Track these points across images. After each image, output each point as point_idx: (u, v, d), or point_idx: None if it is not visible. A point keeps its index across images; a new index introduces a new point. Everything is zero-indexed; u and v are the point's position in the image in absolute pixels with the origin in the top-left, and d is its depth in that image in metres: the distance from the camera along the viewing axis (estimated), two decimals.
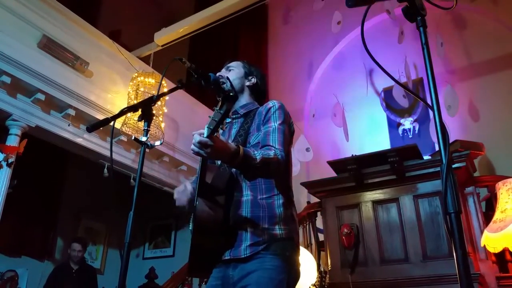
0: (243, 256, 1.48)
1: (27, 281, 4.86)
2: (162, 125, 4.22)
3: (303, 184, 3.61)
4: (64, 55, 3.67)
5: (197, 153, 1.33)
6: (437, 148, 2.96)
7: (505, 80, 4.48)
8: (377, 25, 5.30)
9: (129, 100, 4.08)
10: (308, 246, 3.88)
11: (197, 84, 1.66)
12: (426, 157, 3.43)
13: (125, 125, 3.97)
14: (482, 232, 2.92)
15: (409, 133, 4.89)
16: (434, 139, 4.31)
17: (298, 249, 1.61)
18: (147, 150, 1.69)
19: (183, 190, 1.61)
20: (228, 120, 1.78)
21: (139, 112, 1.64)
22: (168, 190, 4.92)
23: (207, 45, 6.73)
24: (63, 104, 3.70)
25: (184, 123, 4.84)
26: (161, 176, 4.75)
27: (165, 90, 3.72)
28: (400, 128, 4.97)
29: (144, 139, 1.66)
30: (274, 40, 6.51)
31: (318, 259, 3.76)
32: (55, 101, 3.66)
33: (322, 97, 5.62)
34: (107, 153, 4.00)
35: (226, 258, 1.51)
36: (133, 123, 3.96)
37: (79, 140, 3.90)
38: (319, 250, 3.83)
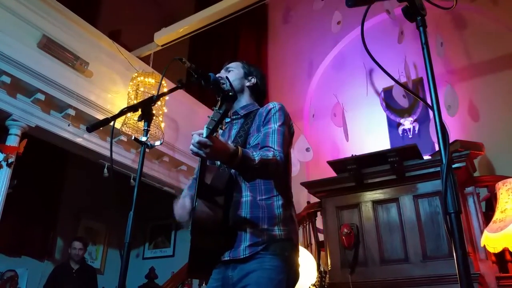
0: (242, 257, 1.48)
1: (27, 281, 4.86)
2: (162, 125, 4.21)
3: (303, 184, 3.61)
4: (64, 55, 3.67)
5: (196, 154, 1.33)
6: (437, 148, 2.96)
7: (505, 80, 4.48)
8: (377, 25, 5.30)
9: (129, 100, 4.08)
10: (308, 246, 3.88)
11: (197, 84, 1.67)
12: (426, 157, 3.43)
13: (125, 125, 3.96)
14: (482, 232, 2.92)
15: (409, 133, 4.89)
16: (434, 139, 4.31)
17: (298, 249, 1.61)
18: (147, 150, 1.68)
19: (183, 205, 1.62)
20: (228, 120, 1.77)
21: (139, 112, 1.64)
22: (168, 190, 4.92)
23: (207, 45, 6.74)
24: (63, 104, 3.69)
25: (184, 123, 4.83)
26: (161, 176, 4.75)
27: (165, 90, 3.71)
28: (400, 128, 4.97)
29: (144, 139, 1.66)
30: (274, 40, 6.51)
31: (318, 259, 3.76)
32: (55, 101, 3.66)
33: (322, 97, 5.62)
34: (107, 153, 4.00)
35: (226, 259, 1.51)
36: (133, 123, 3.96)
37: (79, 140, 3.90)
38: (319, 250, 3.82)
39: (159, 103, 4.16)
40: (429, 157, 3.49)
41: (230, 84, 1.66)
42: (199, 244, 1.46)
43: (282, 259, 1.49)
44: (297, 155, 4.79)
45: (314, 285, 3.41)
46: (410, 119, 4.92)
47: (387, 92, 5.13)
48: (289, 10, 6.50)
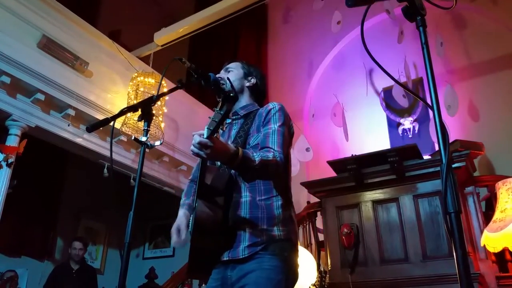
0: (241, 257, 1.48)
1: (27, 281, 4.86)
2: (162, 125, 4.21)
3: (303, 184, 3.61)
4: (63, 55, 3.67)
5: (196, 154, 1.33)
6: (437, 148, 2.96)
7: (505, 80, 4.48)
8: (377, 25, 5.30)
9: (129, 100, 4.07)
10: (308, 246, 3.88)
11: (197, 84, 1.67)
12: (426, 157, 3.43)
13: (125, 125, 3.96)
14: (482, 232, 2.92)
15: (409, 132, 4.89)
16: (434, 139, 4.31)
17: (297, 250, 1.61)
18: (147, 150, 1.69)
19: (178, 233, 1.63)
20: (228, 121, 1.77)
21: (139, 112, 1.64)
22: (168, 190, 4.92)
23: (207, 45, 6.73)
24: (63, 104, 3.69)
25: (184, 123, 4.83)
26: (161, 176, 4.74)
27: (165, 90, 3.72)
28: (400, 128, 4.97)
29: (144, 139, 1.66)
30: (274, 39, 6.51)
31: (318, 259, 3.76)
32: (55, 101, 3.66)
33: (322, 97, 5.62)
34: (107, 153, 4.00)
35: (225, 259, 1.51)
36: (133, 123, 3.95)
37: (79, 140, 3.90)
38: (319, 250, 3.83)
39: (159, 103, 4.16)
40: (429, 157, 3.49)
41: (232, 85, 1.66)
42: (199, 244, 1.46)
43: (281, 259, 1.49)
44: (297, 155, 4.79)
45: (314, 285, 3.41)
46: (410, 119, 4.92)
47: (387, 92, 5.13)
48: (289, 10, 6.50)
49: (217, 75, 1.77)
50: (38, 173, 5.01)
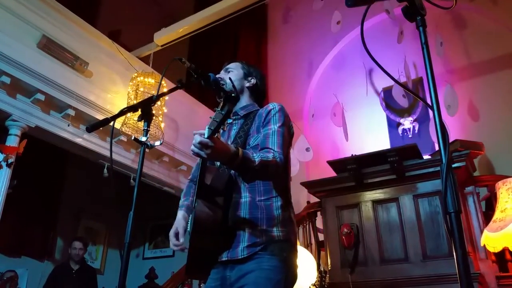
0: (240, 257, 1.48)
1: (27, 281, 4.86)
2: (162, 125, 4.21)
3: (303, 184, 3.61)
4: (63, 55, 3.67)
5: (197, 154, 1.32)
6: (437, 148, 2.96)
7: (505, 79, 4.49)
8: (376, 25, 5.30)
9: (129, 100, 4.07)
10: (308, 246, 3.88)
11: (197, 84, 1.67)
12: (426, 157, 3.43)
13: (125, 125, 3.96)
14: (482, 232, 2.92)
15: (408, 132, 4.89)
16: (434, 139, 4.31)
17: (296, 251, 1.61)
18: (147, 150, 1.69)
19: (177, 237, 1.63)
20: (229, 121, 1.77)
21: (139, 112, 1.64)
22: (168, 190, 4.92)
23: (207, 45, 6.73)
24: (63, 104, 3.69)
25: (184, 123, 4.83)
26: (161, 176, 4.74)
27: (165, 90, 3.71)
28: (400, 128, 4.97)
29: (144, 139, 1.66)
30: (274, 39, 6.51)
31: (318, 259, 3.76)
32: (55, 101, 3.66)
33: (321, 96, 5.62)
34: (107, 153, 4.00)
35: (224, 259, 1.51)
36: (133, 123, 3.95)
37: (78, 140, 3.90)
38: (319, 250, 3.83)
39: (159, 103, 4.16)
40: (429, 157, 3.49)
41: (233, 85, 1.66)
42: (198, 244, 1.46)
43: (280, 260, 1.50)
44: (297, 155, 4.79)
45: (314, 285, 3.42)
46: (410, 118, 4.92)
47: (387, 92, 5.13)
48: (289, 10, 6.50)
49: (217, 75, 1.77)
50: (38, 173, 5.01)
